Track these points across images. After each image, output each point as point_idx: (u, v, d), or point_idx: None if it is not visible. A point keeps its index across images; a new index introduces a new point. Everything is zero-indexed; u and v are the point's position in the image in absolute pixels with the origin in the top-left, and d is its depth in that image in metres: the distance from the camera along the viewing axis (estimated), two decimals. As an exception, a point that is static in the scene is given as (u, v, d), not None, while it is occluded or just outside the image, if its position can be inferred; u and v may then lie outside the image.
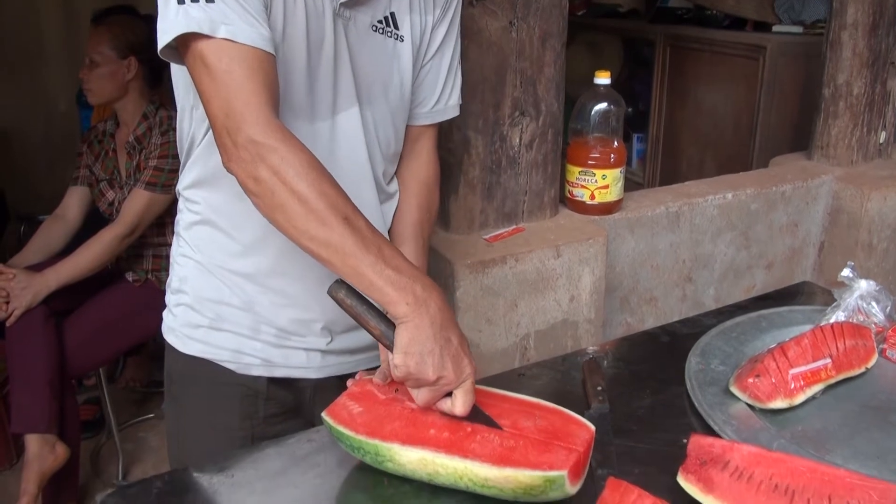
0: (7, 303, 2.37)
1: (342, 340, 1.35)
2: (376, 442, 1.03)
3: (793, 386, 1.20)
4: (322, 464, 1.12)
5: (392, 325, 1.04)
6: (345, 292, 1.05)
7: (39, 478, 2.29)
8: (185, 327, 1.33)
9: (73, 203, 2.73)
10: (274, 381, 1.33)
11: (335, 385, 1.33)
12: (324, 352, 1.34)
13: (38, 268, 2.48)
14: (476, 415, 1.07)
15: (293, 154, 1.02)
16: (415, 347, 1.01)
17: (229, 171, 1.06)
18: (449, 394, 1.05)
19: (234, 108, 1.03)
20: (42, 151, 4.31)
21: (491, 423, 1.06)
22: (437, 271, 1.91)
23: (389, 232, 1.39)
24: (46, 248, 2.65)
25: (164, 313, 1.38)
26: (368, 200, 1.29)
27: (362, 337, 1.31)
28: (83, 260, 2.46)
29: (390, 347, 1.04)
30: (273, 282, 1.28)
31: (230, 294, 1.28)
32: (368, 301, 1.05)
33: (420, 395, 1.05)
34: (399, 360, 1.02)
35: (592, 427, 1.05)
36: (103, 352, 2.60)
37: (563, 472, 0.96)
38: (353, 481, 1.08)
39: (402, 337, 1.02)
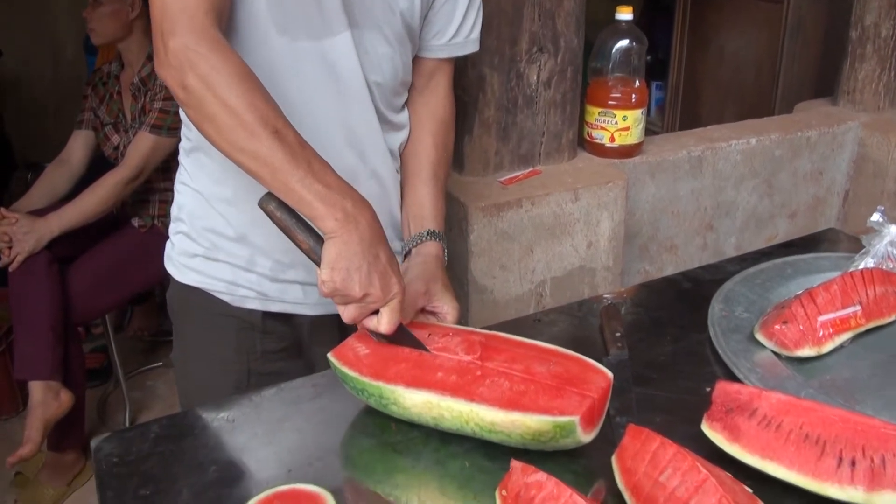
0: (10, 248, 2.35)
1: None
2: (380, 384, 1.00)
3: (821, 333, 1.15)
4: (326, 409, 1.09)
5: (321, 241, 1.03)
6: (274, 205, 1.04)
7: (43, 425, 2.28)
8: (181, 256, 1.31)
9: (78, 147, 2.69)
10: (270, 316, 1.31)
11: (334, 323, 1.31)
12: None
13: (41, 213, 2.45)
14: (402, 336, 1.07)
15: (224, 64, 1.00)
16: (341, 263, 1.01)
17: (160, 77, 1.04)
18: (377, 312, 1.06)
19: (169, 9, 1.00)
20: (49, 98, 4.26)
21: (420, 346, 1.06)
22: (450, 214, 1.86)
23: (403, 171, 1.34)
24: (50, 194, 2.62)
25: (167, 242, 1.37)
26: (367, 128, 1.25)
27: None
28: (87, 204, 2.43)
29: (318, 262, 1.03)
30: None
31: (224, 224, 1.25)
32: (298, 215, 1.04)
33: (346, 312, 1.05)
34: (326, 275, 1.02)
35: (610, 374, 1.00)
36: (108, 298, 2.58)
37: (575, 419, 0.91)
38: (360, 427, 1.04)
39: (329, 252, 1.02)
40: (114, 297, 2.61)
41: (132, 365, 3.09)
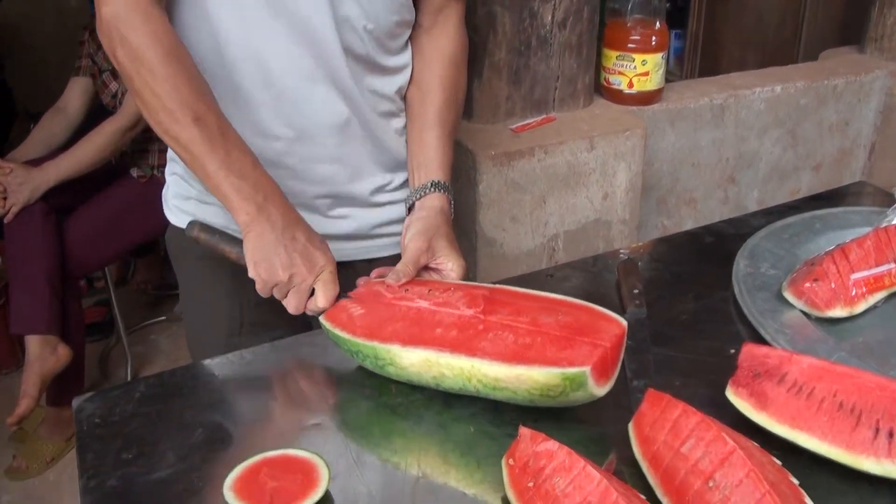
0: (4, 199, 2.30)
1: (337, 223, 1.26)
2: (374, 344, 0.95)
3: (854, 293, 1.09)
4: (322, 369, 1.04)
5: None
6: (198, 229, 1.11)
7: (40, 380, 2.25)
8: (176, 198, 1.29)
9: (75, 95, 2.62)
10: None
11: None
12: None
13: (37, 163, 2.40)
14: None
15: (152, 42, 1.00)
16: (260, 254, 1.03)
17: (101, 39, 1.05)
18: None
19: None
20: (52, 48, 4.15)
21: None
22: (458, 163, 1.80)
23: (409, 115, 1.27)
24: (47, 143, 2.56)
25: (165, 185, 1.34)
26: (335, 72, 1.15)
27: (360, 221, 1.28)
28: (84, 154, 2.37)
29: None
30: (255, 149, 1.16)
31: None
32: (221, 232, 1.11)
33: (288, 304, 1.06)
34: (251, 271, 1.04)
35: (624, 322, 0.92)
36: (106, 250, 2.54)
37: (585, 369, 0.84)
38: (357, 388, 0.98)
39: (248, 248, 1.04)
40: (112, 250, 2.56)
41: (135, 319, 3.05)
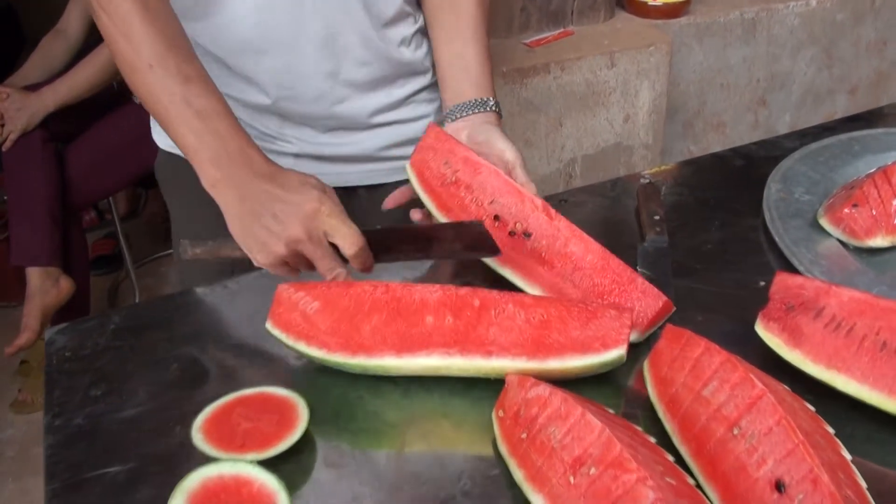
0: (2, 126, 2.24)
1: (334, 144, 1.17)
2: (361, 360, 0.79)
3: None
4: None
5: None
6: (190, 249, 0.93)
7: (42, 312, 2.21)
8: None
9: (76, 16, 2.53)
10: None
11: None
12: (318, 157, 1.16)
13: (36, 88, 2.32)
14: (380, 239, 0.89)
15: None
16: (247, 241, 0.87)
17: None
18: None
19: None
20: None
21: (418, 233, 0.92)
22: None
23: (440, 27, 1.14)
24: (46, 67, 2.47)
25: None
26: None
27: (365, 143, 1.18)
28: (83, 77, 2.30)
29: None
30: (244, 63, 1.09)
31: None
32: (212, 239, 0.93)
33: (320, 270, 0.87)
34: (255, 261, 0.89)
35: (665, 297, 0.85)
36: (109, 180, 2.48)
37: (622, 350, 0.76)
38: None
39: (233, 231, 0.89)
40: (115, 179, 2.50)
41: (146, 251, 3.01)
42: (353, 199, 1.19)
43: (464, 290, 0.80)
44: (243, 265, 0.94)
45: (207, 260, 0.94)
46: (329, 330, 0.80)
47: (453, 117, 1.10)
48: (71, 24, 2.51)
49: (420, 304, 0.80)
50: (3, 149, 2.26)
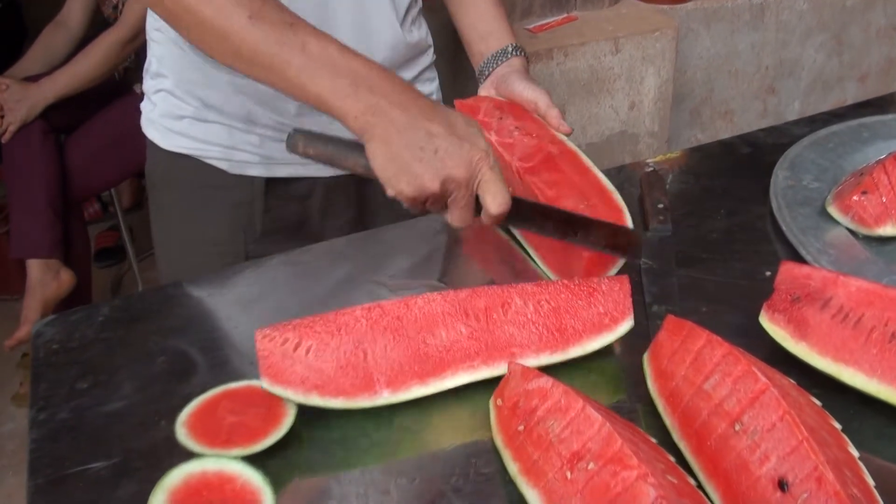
0: (1, 117, 2.22)
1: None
2: (387, 398, 0.73)
3: None
4: (303, 291, 0.94)
5: None
6: (302, 144, 0.85)
7: (42, 305, 2.20)
8: (166, 118, 1.15)
9: (76, 7, 2.51)
10: (274, 185, 1.15)
11: (351, 188, 1.19)
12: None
13: (36, 79, 2.31)
14: (522, 210, 0.85)
15: None
16: (394, 166, 0.80)
17: None
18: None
19: None
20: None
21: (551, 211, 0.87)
22: (468, 65, 1.66)
23: None
24: (47, 58, 2.46)
25: (143, 103, 1.20)
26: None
27: None
28: (82, 68, 2.28)
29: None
30: None
31: (216, 71, 1.07)
32: (336, 139, 0.85)
33: (452, 217, 0.84)
34: (390, 191, 0.82)
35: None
36: (110, 171, 2.46)
37: (631, 321, 0.78)
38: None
39: (375, 162, 0.81)
40: (116, 171, 2.49)
41: (150, 243, 2.95)
42: (368, 184, 1.16)
43: (463, 293, 0.77)
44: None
45: (320, 161, 0.87)
46: (339, 371, 0.73)
47: (482, 78, 1.17)
48: (72, 16, 2.50)
49: (425, 319, 0.76)
50: (3, 140, 2.25)
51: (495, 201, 0.81)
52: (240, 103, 1.09)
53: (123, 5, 2.36)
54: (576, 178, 0.96)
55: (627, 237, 0.89)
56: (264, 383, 0.71)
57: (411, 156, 0.79)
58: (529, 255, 0.97)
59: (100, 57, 2.28)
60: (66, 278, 2.25)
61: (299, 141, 0.85)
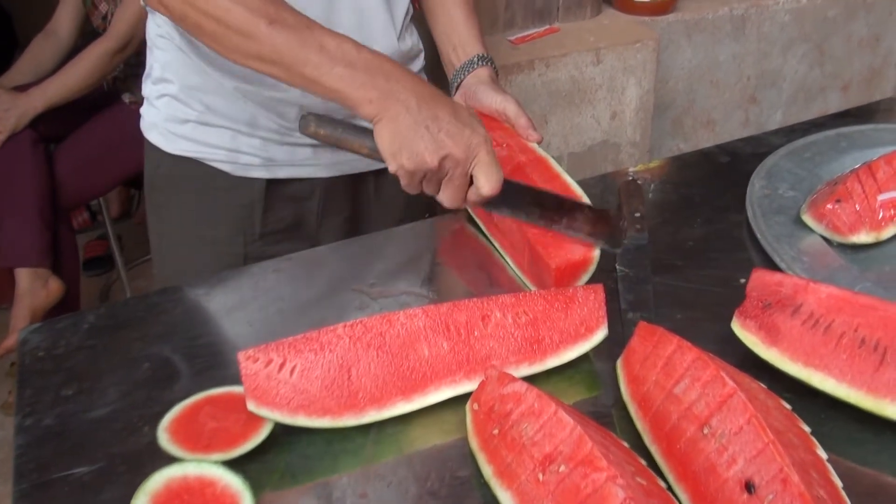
0: None
1: None
2: (373, 415, 0.74)
3: (881, 215, 1.00)
4: (288, 297, 0.95)
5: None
6: (314, 125, 0.92)
7: (30, 313, 2.19)
8: (169, 122, 1.17)
9: (66, 17, 2.51)
10: (275, 186, 1.18)
11: (347, 188, 1.22)
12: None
13: (26, 89, 2.31)
14: (512, 192, 0.91)
15: None
16: (398, 143, 0.88)
17: None
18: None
19: None
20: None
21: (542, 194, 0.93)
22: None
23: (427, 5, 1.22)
24: (36, 68, 2.46)
25: (144, 108, 1.22)
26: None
27: None
28: (72, 77, 2.28)
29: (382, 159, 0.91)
30: None
31: (220, 76, 1.10)
32: (344, 123, 0.93)
33: (445, 195, 0.91)
34: (392, 166, 0.89)
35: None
36: (99, 181, 2.46)
37: (605, 329, 0.81)
38: (326, 321, 0.87)
39: (382, 139, 0.89)
40: (105, 180, 2.49)
41: (139, 252, 2.98)
42: (362, 185, 1.21)
43: (444, 308, 0.79)
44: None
45: (328, 142, 0.94)
46: (324, 391, 0.73)
47: (453, 89, 1.18)
48: (61, 26, 2.50)
49: (407, 335, 0.77)
50: None
51: (489, 182, 0.88)
52: (243, 108, 1.12)
53: (112, 15, 2.36)
54: (545, 186, 0.98)
55: (608, 223, 0.92)
56: (250, 406, 0.71)
57: (416, 134, 0.86)
58: (506, 261, 0.99)
59: (89, 67, 2.27)
60: (55, 287, 2.25)
61: (311, 122, 0.92)
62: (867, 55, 2.36)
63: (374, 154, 0.91)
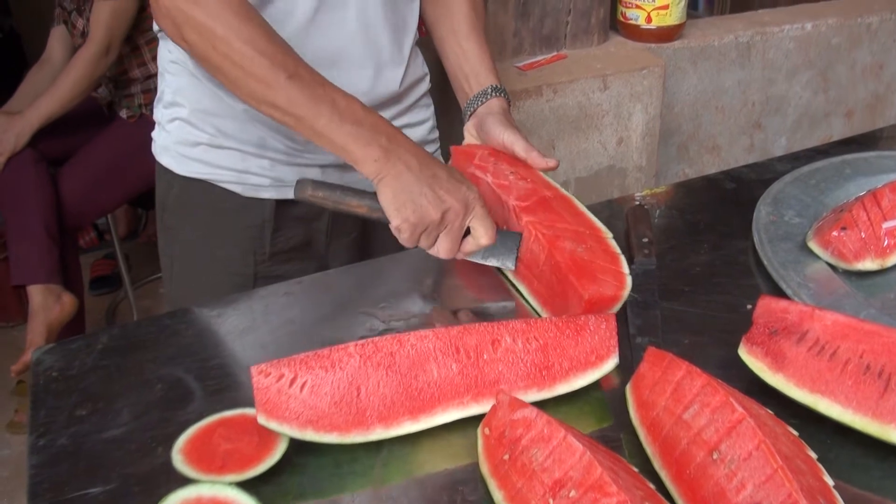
0: None
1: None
2: (380, 433, 0.75)
3: (886, 243, 1.00)
4: (298, 319, 0.96)
5: (374, 196, 0.97)
6: (311, 189, 0.99)
7: (46, 329, 2.20)
8: (181, 145, 1.19)
9: (57, 45, 2.56)
10: (284, 207, 1.19)
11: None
12: (342, 166, 1.17)
13: None
14: (506, 241, 0.99)
15: (221, 8, 0.93)
16: (402, 197, 0.95)
17: (159, 25, 1.01)
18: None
19: None
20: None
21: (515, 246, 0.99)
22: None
23: (440, 32, 1.25)
24: (35, 95, 2.47)
25: (155, 132, 1.24)
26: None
27: None
28: (61, 89, 2.31)
29: (384, 216, 0.97)
30: None
31: (231, 100, 1.12)
32: (340, 185, 1.00)
33: (441, 246, 0.98)
34: (396, 220, 0.96)
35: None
36: (103, 199, 2.48)
37: (616, 358, 0.82)
38: (335, 340, 0.89)
39: (385, 195, 0.96)
40: (110, 198, 2.50)
41: (145, 272, 3.00)
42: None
43: (455, 330, 0.79)
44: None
45: (324, 205, 1.00)
46: (333, 407, 0.74)
47: (466, 117, 1.20)
48: (54, 53, 2.55)
49: (417, 356, 0.77)
50: None
51: (487, 233, 0.97)
52: (253, 130, 1.14)
53: (87, 27, 2.39)
54: (571, 220, 0.99)
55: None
56: (260, 419, 0.72)
57: (419, 190, 0.94)
58: (516, 287, 0.99)
59: (76, 75, 2.30)
60: (68, 301, 2.25)
61: (307, 186, 0.98)
62: (871, 82, 2.36)
63: (374, 212, 0.97)
